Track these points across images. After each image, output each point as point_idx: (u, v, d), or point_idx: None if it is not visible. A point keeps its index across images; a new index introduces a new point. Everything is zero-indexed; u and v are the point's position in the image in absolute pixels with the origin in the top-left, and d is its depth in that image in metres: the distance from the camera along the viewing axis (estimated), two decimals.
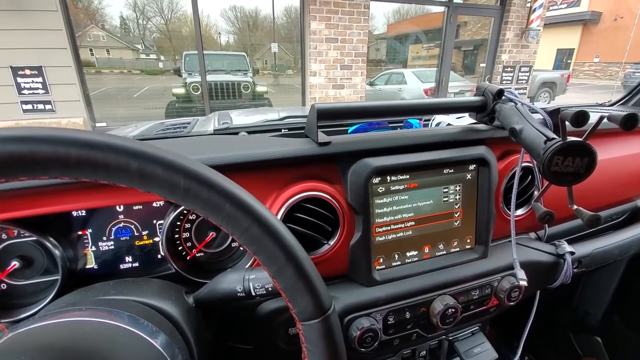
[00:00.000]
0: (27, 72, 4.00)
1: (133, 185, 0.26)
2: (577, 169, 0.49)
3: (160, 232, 0.57)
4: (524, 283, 0.65)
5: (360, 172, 0.57)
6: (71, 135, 0.23)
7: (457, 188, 0.66)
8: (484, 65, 6.69)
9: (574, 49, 20.21)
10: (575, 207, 0.52)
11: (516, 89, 6.65)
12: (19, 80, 4.00)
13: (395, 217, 0.63)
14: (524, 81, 6.81)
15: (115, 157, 0.24)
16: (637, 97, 1.20)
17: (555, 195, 0.64)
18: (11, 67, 3.93)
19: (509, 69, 6.56)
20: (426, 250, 0.67)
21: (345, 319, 0.58)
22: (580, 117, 0.45)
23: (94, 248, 0.56)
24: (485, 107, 0.66)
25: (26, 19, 3.84)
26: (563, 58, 20.75)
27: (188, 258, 0.59)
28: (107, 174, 0.25)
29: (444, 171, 0.65)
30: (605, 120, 0.49)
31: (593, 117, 0.49)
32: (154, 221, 0.58)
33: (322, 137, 0.58)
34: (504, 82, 6.60)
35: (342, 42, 5.19)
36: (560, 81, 9.20)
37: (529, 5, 6.12)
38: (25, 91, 4.06)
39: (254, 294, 0.47)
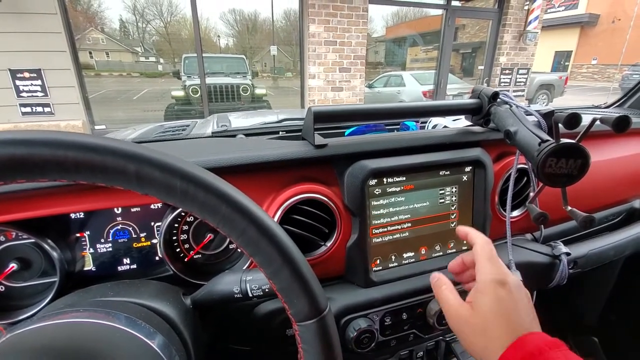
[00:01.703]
0: (26, 74, 4.01)
1: (131, 187, 0.26)
2: (571, 170, 0.49)
3: (158, 234, 0.58)
4: None
5: (356, 174, 0.58)
6: (69, 138, 0.23)
7: (453, 190, 0.67)
8: (482, 67, 6.73)
9: (572, 51, 20.33)
10: (569, 208, 0.53)
11: (514, 91, 6.69)
12: (18, 82, 4.00)
13: (392, 219, 0.63)
14: (522, 83, 6.85)
15: (113, 159, 0.24)
16: (633, 99, 1.21)
17: (551, 197, 0.64)
18: (10, 69, 3.93)
19: (507, 71, 6.59)
20: (423, 251, 0.67)
21: (342, 320, 0.59)
22: (573, 120, 0.46)
23: (92, 250, 0.56)
24: (480, 110, 0.66)
25: (25, 22, 3.85)
26: (561, 60, 20.87)
27: (186, 260, 0.60)
28: (105, 177, 0.25)
29: (440, 173, 0.65)
30: (597, 122, 0.49)
31: (587, 119, 0.49)
32: (152, 223, 0.58)
33: (319, 140, 0.59)
34: (502, 84, 6.64)
35: (341, 45, 5.21)
36: (558, 83, 9.25)
37: (526, 8, 6.17)
38: (24, 94, 4.06)
39: (250, 295, 0.47)
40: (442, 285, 0.50)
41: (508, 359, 0.38)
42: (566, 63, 20.65)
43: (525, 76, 6.79)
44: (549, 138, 0.51)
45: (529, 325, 0.42)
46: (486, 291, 0.44)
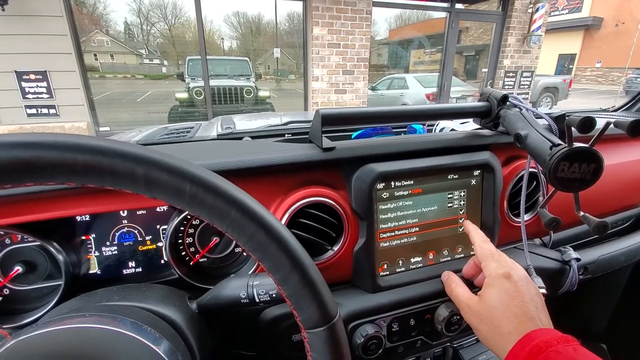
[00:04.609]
0: (32, 76, 4.04)
1: (139, 191, 0.25)
2: (584, 175, 0.48)
3: (163, 237, 0.57)
4: (543, 291, 0.60)
5: (364, 178, 0.57)
6: (78, 141, 0.23)
7: (462, 194, 0.66)
8: (486, 70, 6.71)
9: (576, 54, 20.25)
10: (582, 213, 0.52)
11: (518, 94, 6.65)
12: (24, 84, 4.04)
13: (400, 223, 0.62)
14: (526, 86, 6.82)
15: (121, 163, 0.24)
16: None
17: (559, 201, 0.63)
18: (16, 71, 3.97)
19: (511, 74, 6.57)
20: (430, 256, 0.66)
21: (349, 325, 0.58)
22: (587, 123, 0.45)
23: (97, 253, 0.56)
24: (489, 113, 0.66)
25: (31, 24, 3.88)
26: (565, 63, 20.78)
27: (191, 263, 0.59)
28: (113, 180, 0.25)
29: (449, 177, 0.64)
30: (611, 126, 0.48)
31: (598, 123, 0.48)
32: (158, 226, 0.57)
33: (327, 143, 0.58)
34: (506, 87, 6.62)
35: (345, 48, 5.22)
36: (562, 86, 9.21)
37: (530, 10, 6.15)
38: (29, 95, 4.10)
39: (257, 300, 0.47)
40: (451, 283, 0.56)
41: (516, 353, 0.39)
42: (570, 66, 20.57)
43: (529, 79, 6.77)
44: (560, 142, 0.50)
45: (536, 315, 0.43)
46: (492, 284, 0.47)
